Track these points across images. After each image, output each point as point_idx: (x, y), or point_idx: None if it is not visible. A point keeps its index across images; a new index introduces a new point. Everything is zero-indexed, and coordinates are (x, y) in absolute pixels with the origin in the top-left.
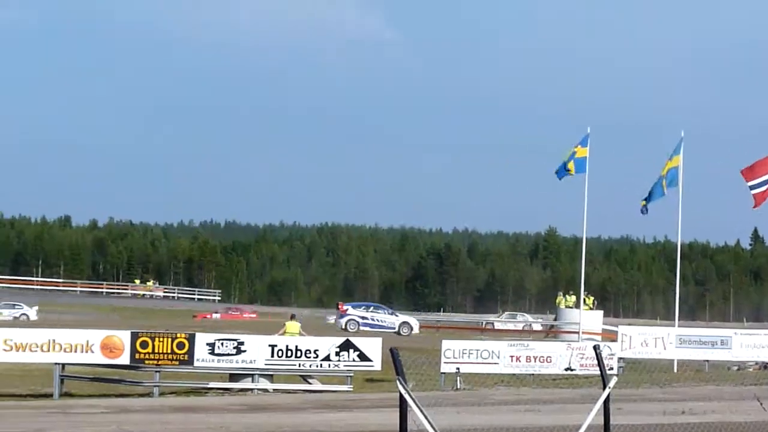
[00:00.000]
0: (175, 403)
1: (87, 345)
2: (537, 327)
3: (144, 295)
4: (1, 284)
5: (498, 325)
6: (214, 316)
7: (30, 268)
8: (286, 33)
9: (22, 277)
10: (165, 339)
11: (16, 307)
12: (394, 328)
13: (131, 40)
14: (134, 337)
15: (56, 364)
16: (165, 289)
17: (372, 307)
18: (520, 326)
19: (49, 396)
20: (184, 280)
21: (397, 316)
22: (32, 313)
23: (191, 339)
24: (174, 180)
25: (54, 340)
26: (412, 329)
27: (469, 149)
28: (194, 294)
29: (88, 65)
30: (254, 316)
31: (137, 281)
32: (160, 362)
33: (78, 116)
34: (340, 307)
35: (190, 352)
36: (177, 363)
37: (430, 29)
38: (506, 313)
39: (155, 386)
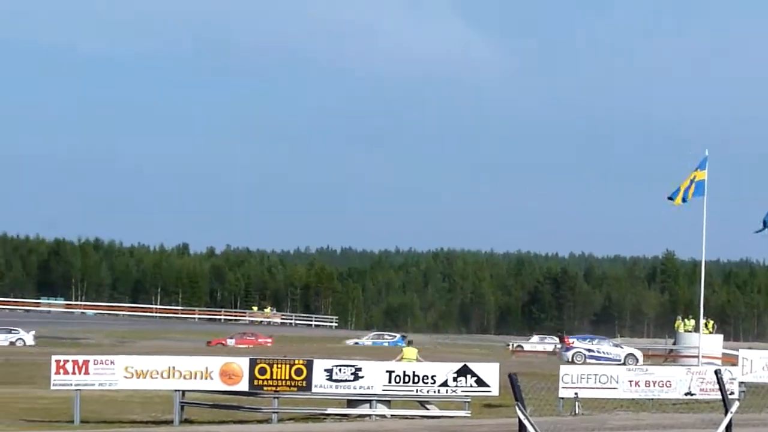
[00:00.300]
0: (293, 430)
1: (206, 372)
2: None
3: (261, 321)
4: (122, 312)
5: (527, 347)
6: (229, 341)
7: (149, 296)
8: (405, 62)
9: (141, 305)
10: (283, 365)
11: (13, 331)
12: (619, 360)
13: (250, 67)
14: (253, 363)
15: (176, 390)
16: (282, 315)
17: (596, 340)
18: (549, 348)
19: (170, 423)
20: (301, 306)
21: (622, 348)
22: (29, 338)
23: (309, 365)
24: (290, 207)
25: (174, 367)
26: (637, 360)
27: (584, 173)
28: (311, 320)
29: (208, 95)
30: (269, 341)
31: (255, 308)
32: (278, 388)
33: (195, 145)
34: (565, 340)
35: (308, 379)
36: (295, 389)
37: (550, 56)
38: (536, 335)
39: (274, 413)
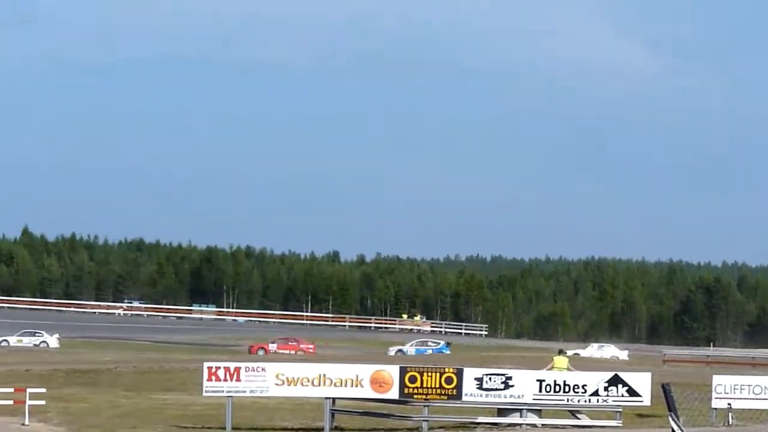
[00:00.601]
0: None
1: (357, 379)
2: (623, 357)
3: (411, 329)
4: (272, 319)
5: (583, 354)
6: (271, 347)
7: (299, 304)
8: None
9: (292, 312)
10: (433, 374)
11: (36, 334)
12: None
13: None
14: (403, 371)
15: (326, 398)
16: (432, 323)
17: None
18: (608, 355)
19: (320, 430)
20: (450, 314)
21: None
22: (52, 340)
23: (459, 373)
24: (441, 215)
25: (324, 375)
26: None
27: (737, 181)
28: (461, 328)
29: (369, 105)
30: (312, 347)
31: (405, 316)
32: (428, 397)
33: (352, 156)
34: None
35: (458, 387)
36: (445, 397)
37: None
38: (596, 344)
39: (424, 421)
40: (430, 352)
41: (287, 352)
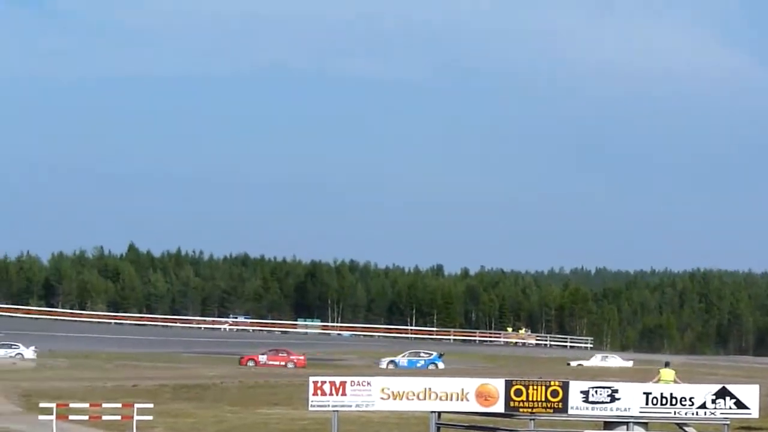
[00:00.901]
0: None
1: (462, 393)
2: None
3: (516, 342)
4: (377, 333)
5: (586, 365)
6: (261, 358)
7: (404, 317)
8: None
9: (396, 326)
10: (539, 387)
11: (13, 346)
12: None
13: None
14: (508, 385)
15: (432, 412)
16: (537, 336)
17: None
18: (612, 366)
19: None
20: (555, 327)
21: None
22: (29, 352)
23: (565, 387)
24: (544, 228)
25: (430, 389)
26: None
27: None
28: (566, 341)
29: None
30: (302, 359)
31: (509, 329)
32: (534, 410)
33: (451, 174)
34: None
35: (564, 400)
36: (551, 411)
37: None
38: (600, 354)
39: None
40: (422, 363)
41: (277, 363)
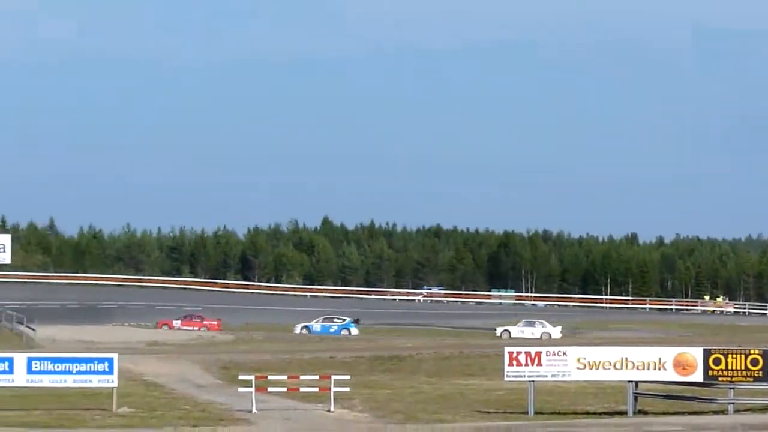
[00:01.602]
0: (750, 421)
1: (659, 362)
2: (556, 335)
3: (714, 311)
4: (572, 303)
5: (514, 333)
6: (175, 323)
7: (598, 287)
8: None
9: (591, 295)
10: (738, 355)
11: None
12: None
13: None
14: (707, 354)
15: (629, 381)
16: (735, 304)
17: None
18: (538, 335)
19: (623, 413)
20: (754, 295)
21: None
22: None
23: (765, 355)
24: (738, 195)
25: (626, 358)
26: None
27: None
28: (766, 309)
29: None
30: (216, 323)
31: (706, 297)
32: (733, 379)
33: (623, 147)
34: None
35: (765, 368)
36: (751, 379)
37: None
38: (524, 320)
39: (730, 403)
40: (335, 328)
41: (190, 328)
